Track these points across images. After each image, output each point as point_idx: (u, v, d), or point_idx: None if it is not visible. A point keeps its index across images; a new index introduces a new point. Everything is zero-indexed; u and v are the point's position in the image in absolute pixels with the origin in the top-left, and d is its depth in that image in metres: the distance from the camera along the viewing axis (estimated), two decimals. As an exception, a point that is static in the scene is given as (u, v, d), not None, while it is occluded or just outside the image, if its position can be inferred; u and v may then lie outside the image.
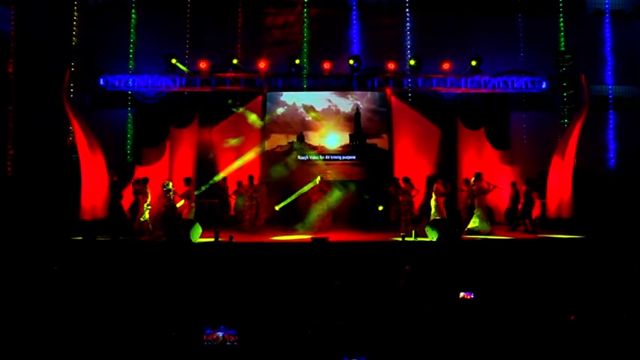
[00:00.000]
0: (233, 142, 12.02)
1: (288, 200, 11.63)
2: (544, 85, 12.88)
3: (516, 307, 5.03)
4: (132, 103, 13.24)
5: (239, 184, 11.33)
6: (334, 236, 9.47)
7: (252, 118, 12.05)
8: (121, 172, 11.46)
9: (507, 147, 13.22)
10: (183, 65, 12.67)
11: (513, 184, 11.45)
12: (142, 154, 12.47)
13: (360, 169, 12.98)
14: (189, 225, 9.38)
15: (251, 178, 11.50)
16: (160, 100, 12.88)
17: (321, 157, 12.93)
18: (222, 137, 12.62)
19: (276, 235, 10.11)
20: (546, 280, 6.12)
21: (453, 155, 13.03)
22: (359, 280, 5.95)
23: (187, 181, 10.87)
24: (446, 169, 12.51)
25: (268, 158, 12.79)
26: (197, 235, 9.48)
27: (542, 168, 11.97)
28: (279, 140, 12.99)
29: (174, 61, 12.45)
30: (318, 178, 11.48)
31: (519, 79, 12.84)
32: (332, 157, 13.07)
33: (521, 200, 10.98)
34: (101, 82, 12.50)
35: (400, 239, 9.28)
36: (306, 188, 11.72)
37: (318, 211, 10.92)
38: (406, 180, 11.01)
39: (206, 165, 12.51)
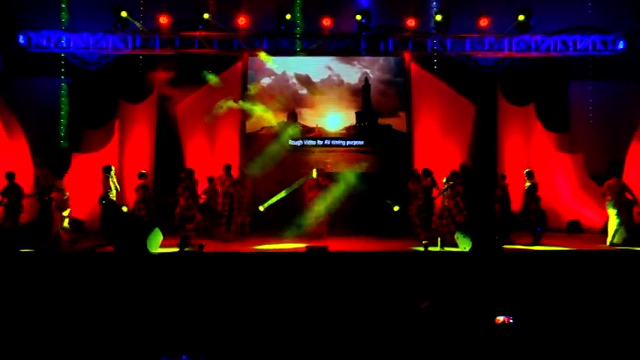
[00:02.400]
0: (227, 104, 12.02)
1: (276, 198, 11.70)
2: (620, 46, 12.76)
3: (571, 338, 5.14)
4: (67, 69, 13.21)
5: (210, 180, 11.40)
6: (335, 245, 9.63)
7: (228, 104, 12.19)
8: (52, 162, 11.58)
9: (566, 128, 13.27)
10: (137, 21, 12.79)
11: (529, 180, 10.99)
12: (82, 138, 12.66)
13: (370, 158, 13.19)
14: (145, 230, 9.34)
15: (228, 168, 11.66)
16: (105, 66, 13.01)
17: (319, 143, 13.27)
18: (189, 115, 12.84)
19: (260, 244, 10.21)
20: (619, 307, 6.22)
21: (492, 139, 13.29)
22: (368, 302, 6.06)
23: (142, 175, 11.11)
24: (482, 158, 12.81)
25: (250, 143, 13.03)
26: (156, 243, 9.50)
27: (615, 157, 12.09)
28: (265, 120, 13.02)
29: (124, 14, 12.47)
30: (315, 171, 11.64)
31: (584, 37, 12.74)
32: (333, 143, 13.37)
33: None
34: (21, 40, 12.31)
35: (422, 249, 9.35)
36: (298, 183, 11.87)
37: (314, 212, 11.06)
38: (428, 172, 11.17)
39: (169, 152, 12.78)
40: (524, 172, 10.91)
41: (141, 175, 11.09)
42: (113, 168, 10.62)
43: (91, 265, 8.25)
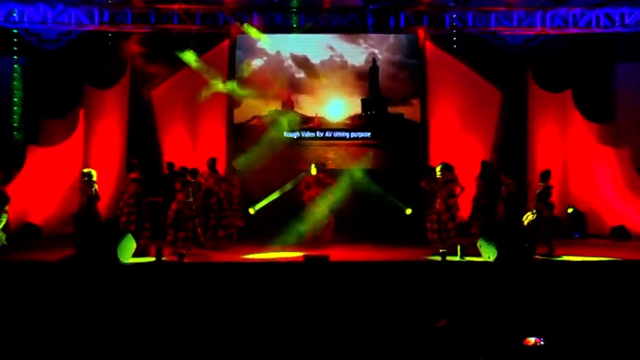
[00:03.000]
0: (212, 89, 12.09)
1: (269, 200, 11.76)
2: (678, 20, 12.09)
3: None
4: (21, 48, 12.93)
5: (193, 172, 10.70)
6: (338, 253, 9.63)
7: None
8: (4, 157, 11.47)
9: (610, 118, 12.98)
10: (106, -10, 12.30)
11: None
12: (40, 129, 12.44)
13: (378, 153, 13.26)
14: (116, 236, 9.34)
15: (213, 162, 11.42)
16: (67, 45, 12.76)
17: (319, 135, 13.35)
18: (167, 103, 12.87)
19: (252, 253, 10.14)
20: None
21: (521, 131, 13.14)
22: (375, 320, 6.11)
23: (132, 167, 10.96)
24: (509, 154, 12.67)
25: (239, 136, 13.01)
26: (128, 251, 9.42)
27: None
28: (256, 108, 13.17)
29: (90, -18, 11.99)
30: (314, 167, 11.43)
31: (634, 10, 12.48)
32: (335, 135, 13.42)
33: None
34: (-43, 11, 11.80)
35: (439, 258, 9.33)
36: (294, 182, 11.87)
37: (315, 214, 11.03)
38: (447, 168, 10.83)
39: (143, 146, 12.69)
40: (540, 173, 10.62)
41: (131, 167, 10.88)
42: (94, 172, 10.35)
43: (52, 276, 8.21)
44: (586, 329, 6.00)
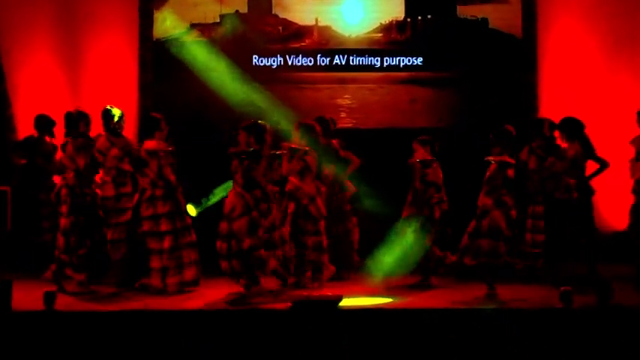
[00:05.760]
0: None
1: (220, 192, 8.65)
2: None
3: None
4: None
5: (74, 137, 8.09)
6: (351, 289, 7.47)
7: None
8: None
9: None
10: None
11: None
12: None
13: (440, 99, 10.26)
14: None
15: (112, 118, 8.51)
16: None
17: (322, 62, 10.21)
18: (18, 17, 10.17)
19: (193, 297, 7.61)
20: None
21: None
22: None
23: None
24: None
25: (163, 64, 10.08)
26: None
27: None
28: (196, 11, 10.03)
29: None
30: (301, 128, 7.97)
31: None
32: (352, 61, 10.22)
33: None
34: None
35: (564, 303, 6.64)
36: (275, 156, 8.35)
37: (292, 231, 8.07)
38: (578, 125, 8.18)
39: None
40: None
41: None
42: None
43: None
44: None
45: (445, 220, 8.10)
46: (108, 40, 9.89)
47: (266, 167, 7.82)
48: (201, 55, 9.67)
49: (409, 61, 10.02)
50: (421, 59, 9.98)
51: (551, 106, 9.53)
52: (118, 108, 8.09)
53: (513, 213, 7.02)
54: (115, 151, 7.81)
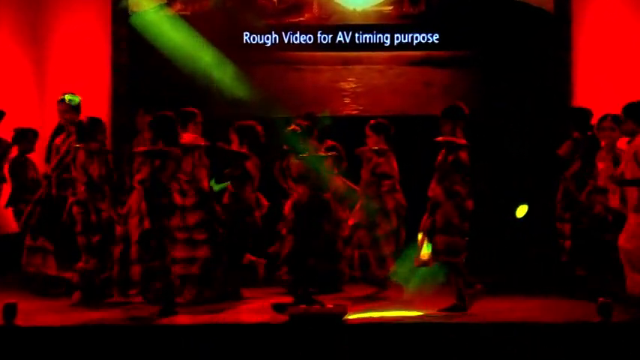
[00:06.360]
0: None
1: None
2: None
3: None
4: None
5: (25, 135, 7.96)
6: (363, 305, 7.01)
7: None
8: None
9: None
10: None
11: None
12: None
13: (459, 82, 9.75)
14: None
15: (72, 106, 7.84)
16: None
17: (324, 40, 9.69)
18: None
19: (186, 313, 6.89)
20: None
21: None
22: None
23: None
24: None
25: (139, 44, 9.40)
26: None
27: None
28: None
29: None
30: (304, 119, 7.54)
31: None
32: (358, 39, 9.79)
33: None
34: None
35: (602, 317, 6.19)
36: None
37: (295, 237, 7.43)
38: (633, 115, 7.14)
39: None
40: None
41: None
42: None
43: None
44: None
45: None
46: (76, 14, 9.16)
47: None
48: (182, 33, 8.86)
49: (423, 38, 9.48)
50: (437, 36, 9.45)
51: (588, 91, 8.94)
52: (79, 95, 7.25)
53: (469, 204, 6.30)
54: (82, 155, 6.74)
